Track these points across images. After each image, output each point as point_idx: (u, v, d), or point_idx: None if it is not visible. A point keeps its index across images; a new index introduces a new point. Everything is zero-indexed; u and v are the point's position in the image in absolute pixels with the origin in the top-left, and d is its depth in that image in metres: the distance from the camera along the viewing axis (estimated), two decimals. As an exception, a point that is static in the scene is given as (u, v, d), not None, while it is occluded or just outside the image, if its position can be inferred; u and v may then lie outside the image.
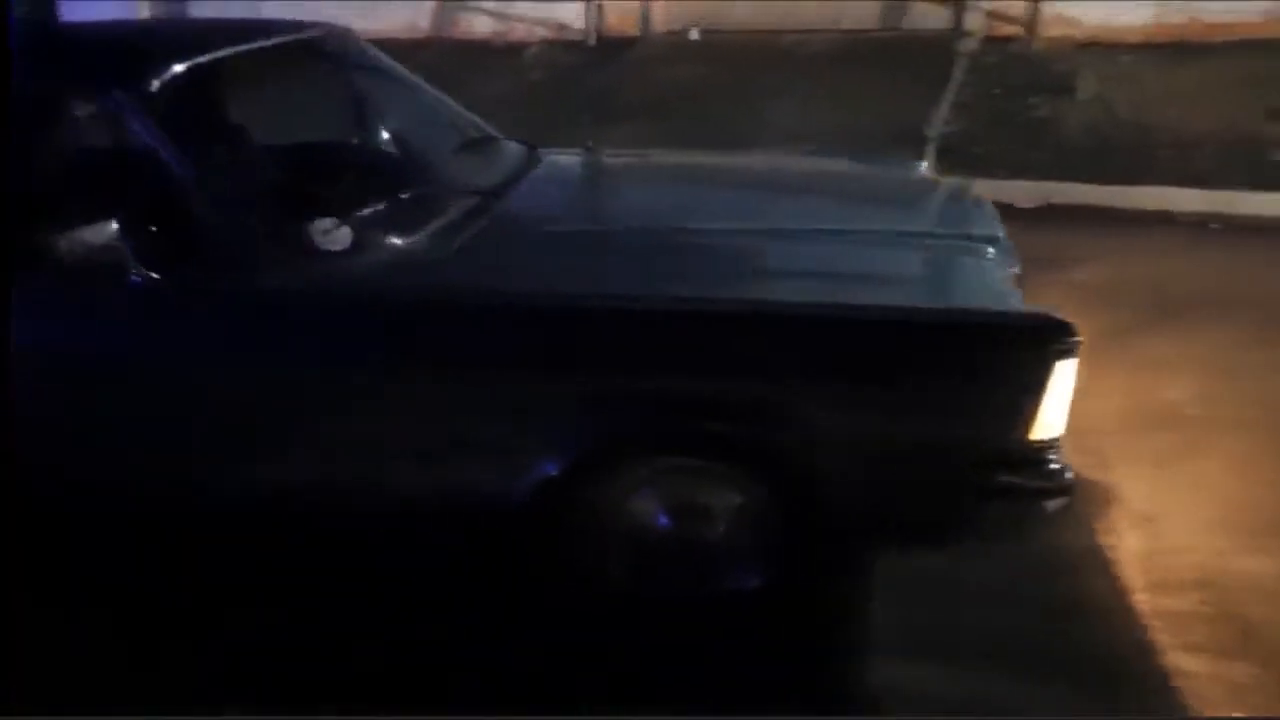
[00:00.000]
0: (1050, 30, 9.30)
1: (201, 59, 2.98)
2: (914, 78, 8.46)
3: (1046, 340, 2.44)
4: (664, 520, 2.74)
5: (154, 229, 2.65)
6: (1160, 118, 7.48)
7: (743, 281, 2.81)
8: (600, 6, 10.20)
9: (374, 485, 2.74)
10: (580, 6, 10.14)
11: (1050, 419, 2.46)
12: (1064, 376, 2.43)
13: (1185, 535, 3.07)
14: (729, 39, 9.68)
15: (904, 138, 7.25)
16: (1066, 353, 2.43)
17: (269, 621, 2.89)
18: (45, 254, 2.59)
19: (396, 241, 2.88)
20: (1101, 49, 8.89)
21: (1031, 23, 9.35)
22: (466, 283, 2.72)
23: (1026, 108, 8.08)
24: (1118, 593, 2.92)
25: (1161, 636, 2.74)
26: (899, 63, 8.82)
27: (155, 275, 2.63)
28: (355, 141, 3.69)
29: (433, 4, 10.60)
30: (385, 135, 3.66)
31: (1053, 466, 2.53)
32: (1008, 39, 9.36)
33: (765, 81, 8.51)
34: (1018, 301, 2.69)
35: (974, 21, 9.52)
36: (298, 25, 3.60)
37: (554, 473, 2.61)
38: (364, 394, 2.63)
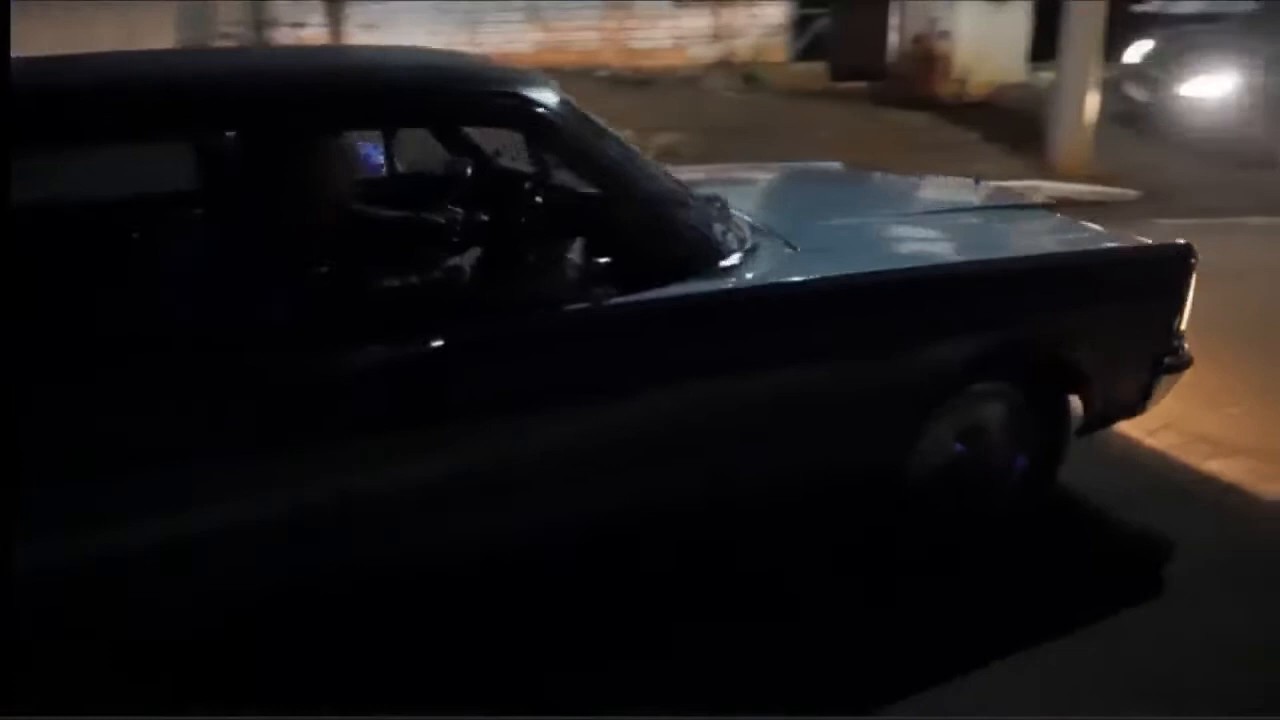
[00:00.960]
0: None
1: (513, 79, 2.65)
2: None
3: (1190, 258, 3.25)
4: (958, 447, 3.08)
5: (607, 246, 2.50)
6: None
7: (972, 245, 3.34)
8: None
9: (792, 468, 2.84)
10: None
11: (1186, 314, 3.28)
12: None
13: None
14: None
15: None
16: (1195, 266, 3.24)
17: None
18: (496, 294, 2.45)
19: (760, 240, 2.85)
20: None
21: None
22: (857, 269, 2.84)
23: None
24: (1125, 438, 3.80)
25: (1183, 457, 3.80)
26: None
27: (617, 294, 2.46)
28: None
29: None
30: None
31: (1185, 348, 3.34)
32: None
33: None
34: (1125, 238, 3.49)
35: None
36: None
37: (923, 423, 2.93)
38: (800, 384, 2.71)
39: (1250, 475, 3.66)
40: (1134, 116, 10.31)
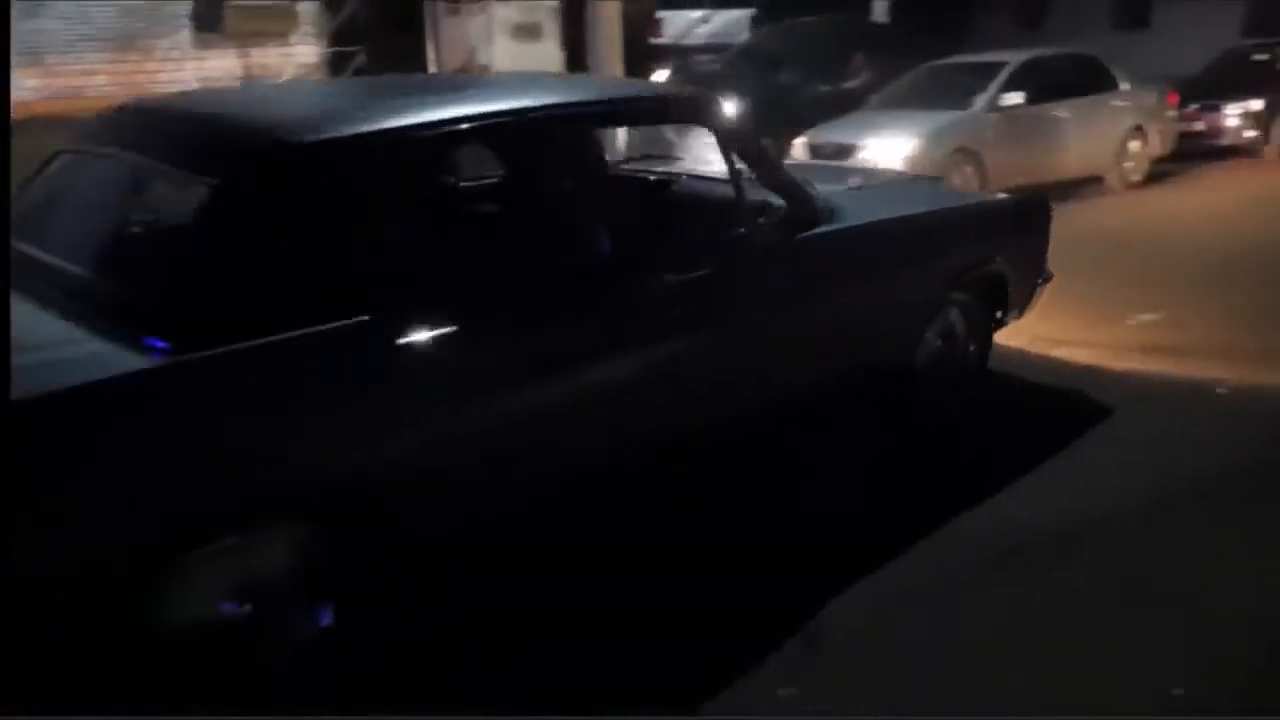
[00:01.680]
0: None
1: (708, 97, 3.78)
2: None
3: (1049, 205, 4.71)
4: (939, 344, 4.12)
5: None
6: None
7: (937, 199, 4.67)
8: None
9: (863, 358, 3.88)
10: None
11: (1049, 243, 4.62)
12: None
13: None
14: None
15: None
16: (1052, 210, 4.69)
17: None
18: (732, 239, 3.39)
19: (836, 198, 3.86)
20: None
21: None
22: (898, 214, 3.99)
23: None
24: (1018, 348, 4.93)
25: (1038, 350, 5.07)
26: None
27: (792, 236, 3.51)
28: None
29: None
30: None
31: (1048, 268, 4.60)
32: None
33: None
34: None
35: None
36: None
37: (922, 331, 4.03)
38: (875, 294, 3.77)
39: (1092, 356, 5.06)
40: (661, 139, 11.17)
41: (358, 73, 11.74)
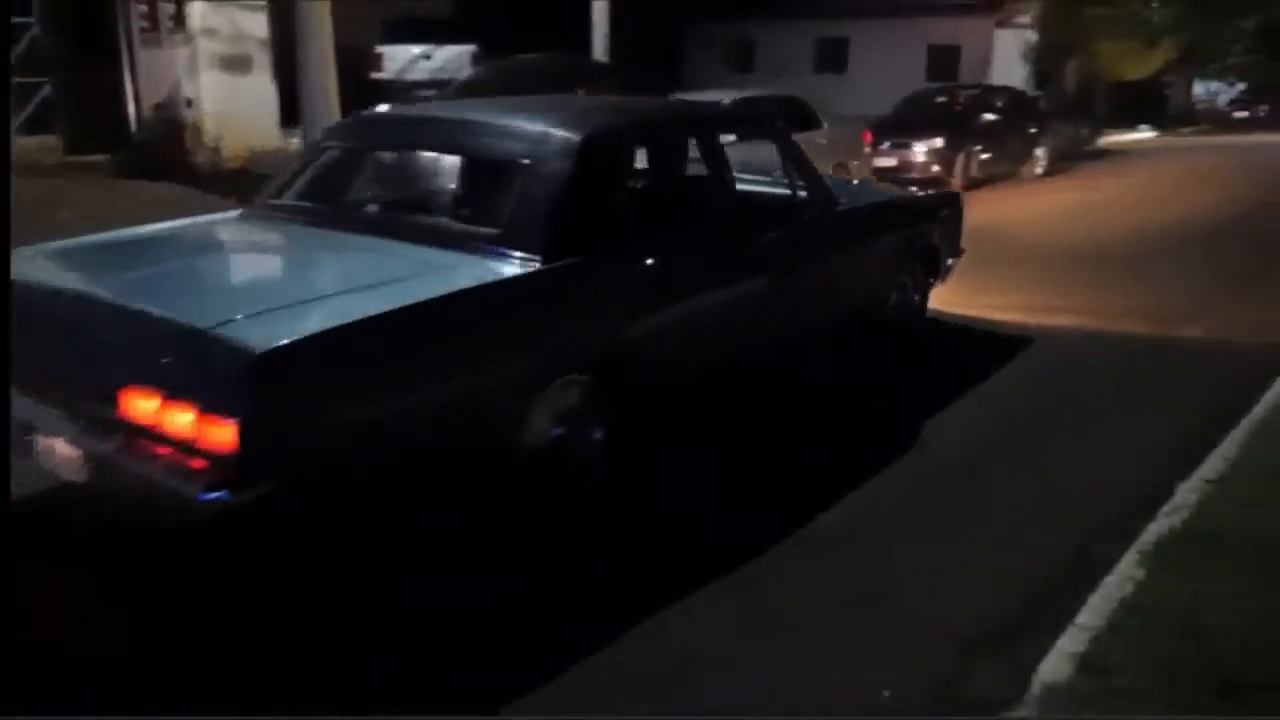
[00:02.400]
0: None
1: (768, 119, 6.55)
2: None
3: (961, 197, 6.69)
4: (895, 296, 5.78)
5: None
6: None
7: (889, 192, 6.99)
8: None
9: (857, 302, 5.54)
10: None
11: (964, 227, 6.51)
12: None
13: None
14: None
15: None
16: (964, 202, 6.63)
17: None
18: (795, 215, 4.97)
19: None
20: None
21: None
22: (878, 200, 6.08)
23: None
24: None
25: (948, 309, 6.46)
26: None
27: (828, 212, 5.12)
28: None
29: None
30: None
31: (961, 245, 6.43)
32: None
33: None
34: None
35: None
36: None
37: (893, 283, 5.73)
38: (867, 256, 5.48)
39: (991, 311, 6.62)
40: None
41: (44, 104, 10.80)
